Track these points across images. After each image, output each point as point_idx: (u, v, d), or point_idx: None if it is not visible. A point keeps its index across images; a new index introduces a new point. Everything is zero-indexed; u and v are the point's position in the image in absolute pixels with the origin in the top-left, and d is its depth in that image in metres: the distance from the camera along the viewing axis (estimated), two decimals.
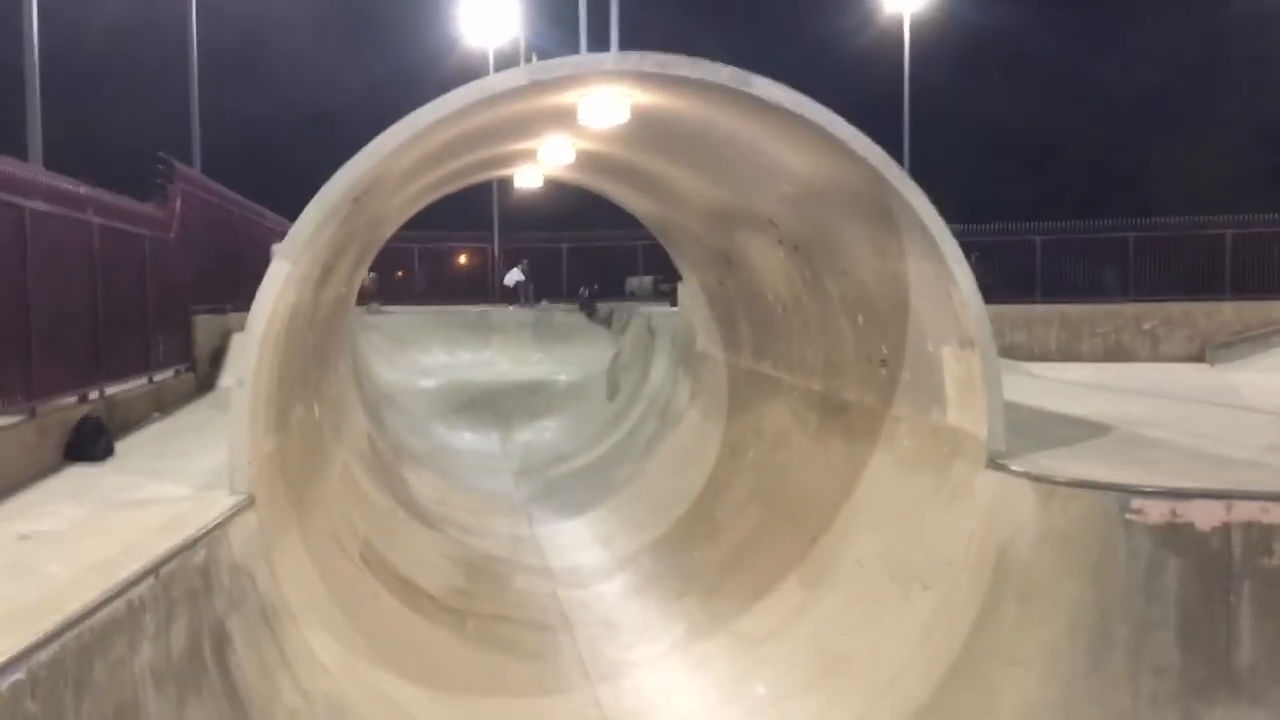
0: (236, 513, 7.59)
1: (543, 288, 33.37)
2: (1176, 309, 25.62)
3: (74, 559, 6.13)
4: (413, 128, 8.47)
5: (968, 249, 8.83)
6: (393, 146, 8.49)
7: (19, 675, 4.51)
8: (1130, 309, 26.09)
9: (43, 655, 4.71)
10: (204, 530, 6.95)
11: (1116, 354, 25.08)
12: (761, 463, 13.21)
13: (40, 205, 9.65)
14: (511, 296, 32.95)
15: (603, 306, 29.27)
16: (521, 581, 12.82)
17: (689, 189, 13.67)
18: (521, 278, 33.18)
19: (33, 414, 9.38)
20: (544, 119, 11.16)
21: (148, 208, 14.19)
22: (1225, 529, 7.03)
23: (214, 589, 6.85)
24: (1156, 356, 24.85)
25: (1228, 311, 25.31)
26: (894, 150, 8.78)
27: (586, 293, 30.35)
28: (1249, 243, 27.69)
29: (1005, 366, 11.22)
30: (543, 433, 23.47)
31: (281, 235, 16.81)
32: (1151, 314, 25.70)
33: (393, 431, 19.50)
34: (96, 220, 11.23)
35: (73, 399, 10.46)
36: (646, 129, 10.79)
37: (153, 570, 5.97)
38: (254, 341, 8.16)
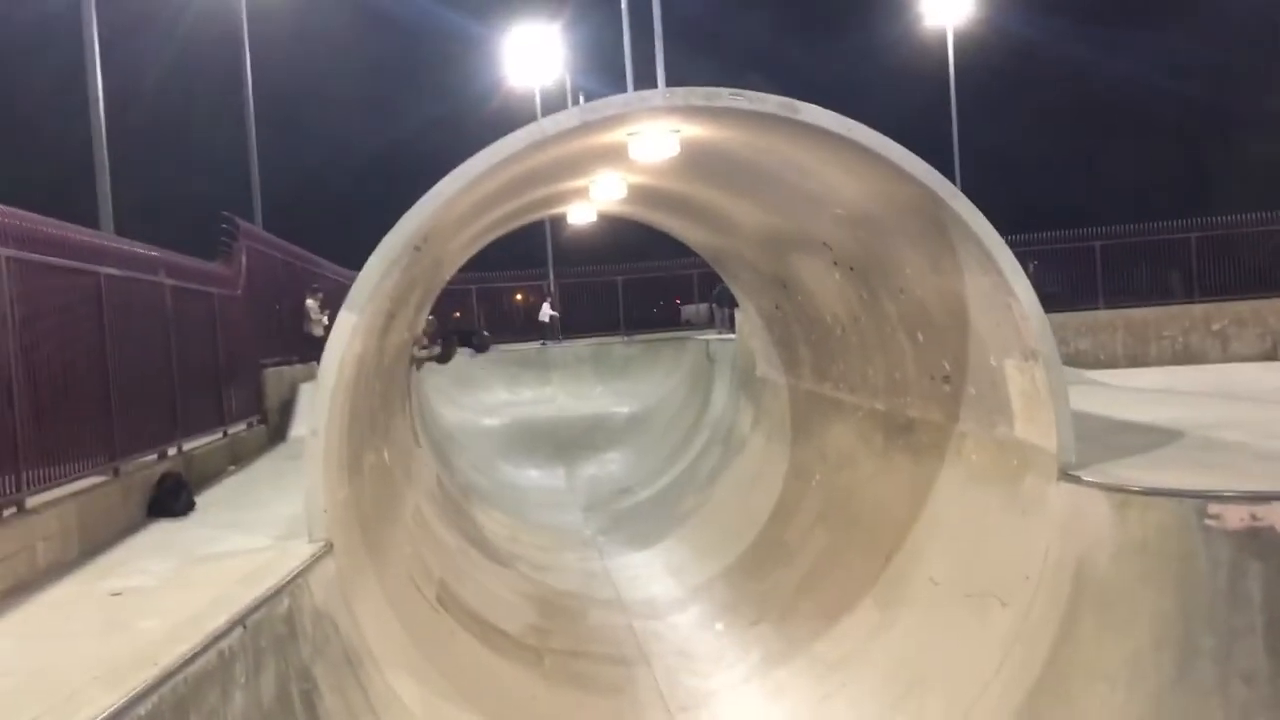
0: (316, 560, 7.75)
1: (600, 320, 33.45)
2: (1245, 307, 25.10)
3: (165, 613, 6.32)
4: (468, 174, 8.64)
5: (1026, 258, 8.81)
6: (450, 194, 8.67)
7: None
8: (1197, 310, 25.61)
9: (141, 709, 4.87)
10: (286, 579, 7.12)
11: (1185, 357, 24.60)
12: (828, 485, 13.16)
13: (114, 270, 9.97)
14: (546, 332, 32.74)
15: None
16: (596, 616, 12.87)
17: (741, 216, 13.73)
18: (555, 313, 33.10)
19: (116, 473, 9.67)
20: (595, 157, 11.32)
21: (215, 266, 14.58)
22: None
23: (299, 636, 7.00)
24: (1227, 357, 24.33)
25: None
26: (943, 162, 8.80)
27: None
28: None
29: (1071, 375, 11.12)
30: (607, 465, 23.58)
31: (340, 283, 17.15)
32: (1219, 314, 25.19)
33: (460, 472, 19.72)
34: (168, 282, 11.56)
35: (153, 456, 10.75)
36: (697, 161, 10.89)
37: (240, 620, 6.14)
38: (325, 392, 8.35)
